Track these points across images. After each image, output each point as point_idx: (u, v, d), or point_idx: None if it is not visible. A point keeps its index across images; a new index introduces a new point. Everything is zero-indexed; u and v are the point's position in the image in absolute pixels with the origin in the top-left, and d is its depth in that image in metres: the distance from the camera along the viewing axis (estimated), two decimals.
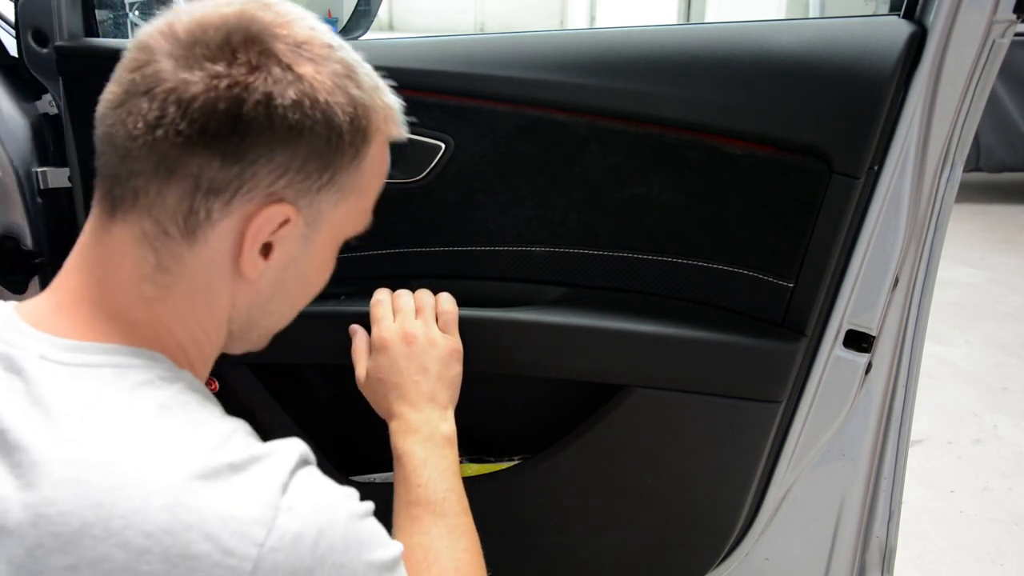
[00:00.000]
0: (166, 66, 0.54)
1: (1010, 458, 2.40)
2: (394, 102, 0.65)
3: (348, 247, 1.04)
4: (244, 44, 0.55)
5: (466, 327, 0.94)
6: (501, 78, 0.91)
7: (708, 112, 0.88)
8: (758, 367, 0.92)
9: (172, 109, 0.54)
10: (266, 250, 0.60)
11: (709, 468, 0.98)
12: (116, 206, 0.57)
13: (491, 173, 0.94)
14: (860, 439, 0.99)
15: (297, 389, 1.06)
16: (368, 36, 1.25)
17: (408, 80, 0.93)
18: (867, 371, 0.95)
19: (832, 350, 0.93)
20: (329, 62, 0.58)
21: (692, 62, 0.88)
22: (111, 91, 0.57)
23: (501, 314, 0.94)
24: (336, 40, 0.61)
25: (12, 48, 1.07)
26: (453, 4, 15.80)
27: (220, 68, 0.54)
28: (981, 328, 3.29)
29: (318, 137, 0.57)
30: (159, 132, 0.54)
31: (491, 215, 0.96)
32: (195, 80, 0.54)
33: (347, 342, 0.96)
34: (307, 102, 0.56)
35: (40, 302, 0.59)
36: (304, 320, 0.98)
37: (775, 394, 0.93)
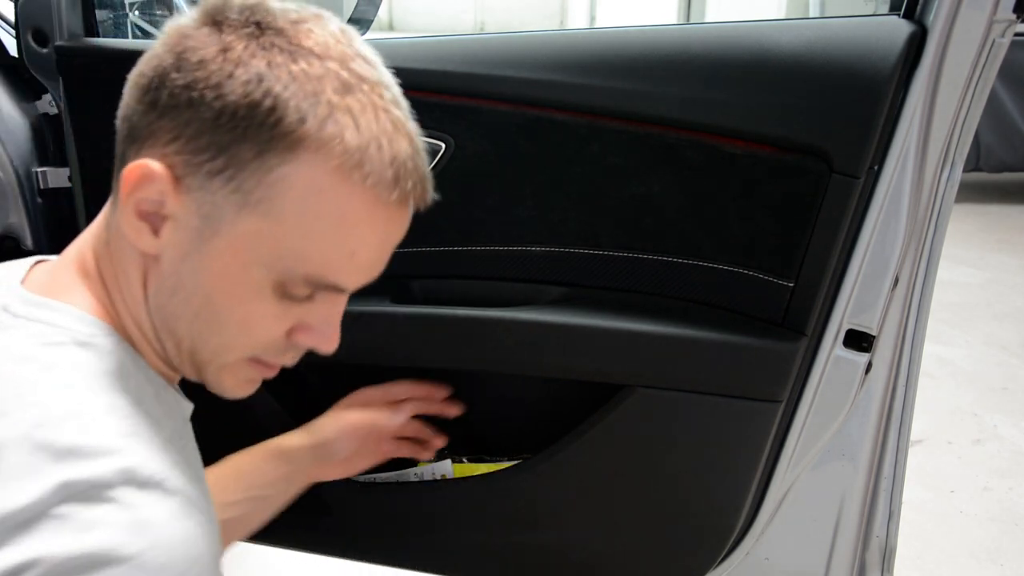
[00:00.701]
0: None
1: (1010, 458, 2.40)
2: (401, 154, 0.55)
3: None
4: (240, 11, 0.55)
5: (466, 327, 0.94)
6: (501, 78, 0.91)
7: (708, 112, 0.88)
8: (758, 367, 0.92)
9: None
10: (158, 225, 0.56)
11: (709, 468, 0.98)
12: None
13: (491, 173, 0.94)
14: (860, 439, 0.99)
15: (297, 389, 1.06)
16: (368, 36, 1.25)
17: (408, 80, 0.93)
18: (867, 371, 0.95)
19: (832, 350, 0.93)
20: (307, 58, 0.53)
21: (692, 62, 0.88)
22: None
23: (501, 314, 0.94)
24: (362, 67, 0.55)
25: (12, 48, 1.07)
26: (453, 4, 15.80)
27: (191, 26, 0.55)
28: (981, 328, 3.29)
29: (208, 109, 0.52)
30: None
31: (491, 215, 0.96)
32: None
33: (347, 342, 0.96)
34: (212, 68, 0.52)
35: (52, 261, 0.62)
36: None
37: (775, 394, 0.93)
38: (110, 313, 0.59)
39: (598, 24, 14.14)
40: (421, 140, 0.59)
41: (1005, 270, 4.01)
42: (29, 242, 1.06)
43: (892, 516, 1.03)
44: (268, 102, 0.52)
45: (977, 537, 2.04)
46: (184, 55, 0.53)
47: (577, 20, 15.36)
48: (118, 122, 0.58)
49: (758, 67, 0.87)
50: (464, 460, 1.04)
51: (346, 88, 0.54)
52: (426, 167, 0.58)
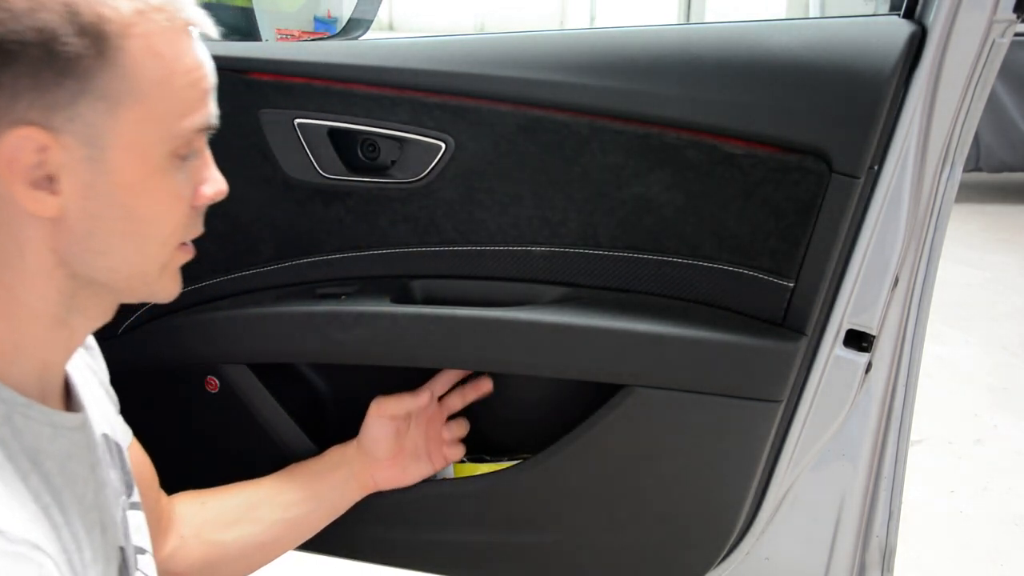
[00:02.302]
0: None
1: (1010, 458, 2.40)
2: None
3: (348, 247, 1.04)
4: None
5: (466, 327, 0.94)
6: (501, 78, 0.91)
7: (708, 112, 0.88)
8: (758, 367, 0.92)
9: None
10: (52, 184, 0.55)
11: (709, 468, 0.98)
12: None
13: (491, 173, 0.94)
14: (860, 439, 0.99)
15: (297, 389, 1.06)
16: (368, 36, 1.25)
17: (408, 80, 0.93)
18: (867, 371, 0.95)
19: (832, 350, 0.93)
20: None
21: (692, 62, 0.88)
22: None
23: (501, 314, 0.94)
24: None
25: None
26: (453, 4, 15.80)
27: None
28: (981, 328, 3.29)
29: (36, 48, 0.52)
30: None
31: (491, 215, 0.96)
32: None
33: (347, 342, 0.96)
34: (6, 16, 0.52)
35: None
36: (304, 320, 0.98)
37: (775, 394, 0.93)
38: None
39: (598, 24, 14.13)
40: None
41: (1005, 270, 4.01)
42: None
43: (892, 516, 1.03)
44: (68, 15, 0.53)
45: (977, 537, 2.05)
46: None
47: (577, 20, 15.36)
48: None
49: (758, 67, 0.87)
50: (464, 460, 1.05)
51: None
52: None
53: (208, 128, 0.62)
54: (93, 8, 0.54)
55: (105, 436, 0.71)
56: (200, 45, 0.61)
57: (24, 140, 0.53)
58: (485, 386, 1.01)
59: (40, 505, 0.56)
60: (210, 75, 0.62)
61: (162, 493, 0.88)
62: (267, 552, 0.95)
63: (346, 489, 0.98)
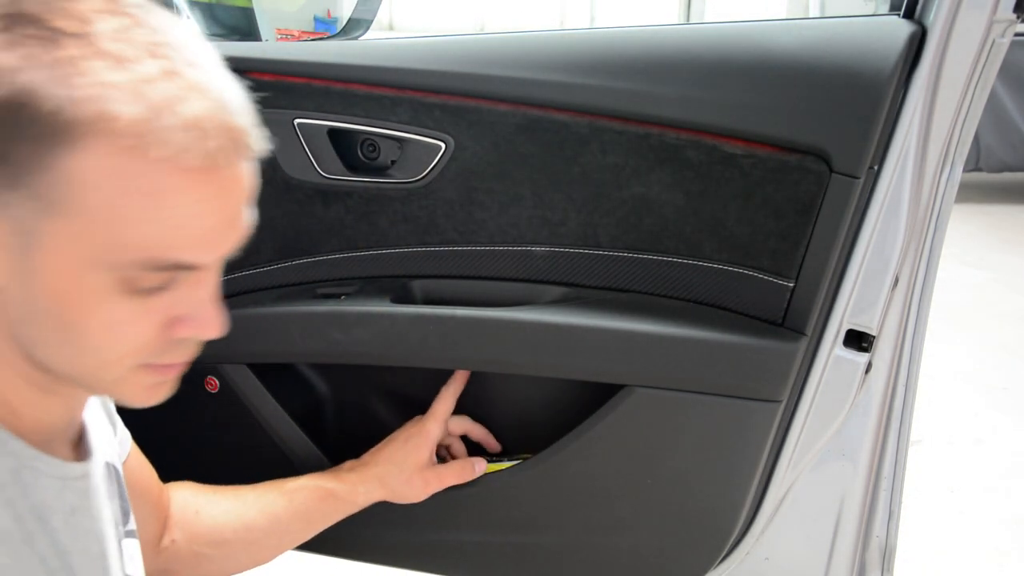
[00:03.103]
0: None
1: (1010, 458, 2.40)
2: (197, 115, 0.49)
3: (348, 247, 1.04)
4: None
5: (466, 327, 0.94)
6: (501, 78, 0.91)
7: (708, 112, 0.88)
8: (758, 367, 0.92)
9: None
10: None
11: (709, 468, 0.98)
12: None
13: (491, 173, 0.94)
14: (860, 439, 0.99)
15: (297, 389, 1.06)
16: (368, 36, 1.25)
17: (408, 80, 0.93)
18: (867, 371, 0.95)
19: (832, 350, 0.93)
20: (37, 43, 0.47)
21: (692, 62, 0.88)
22: None
23: (501, 314, 0.94)
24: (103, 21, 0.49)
25: None
26: (453, 4, 15.80)
27: None
28: (981, 328, 3.29)
29: None
30: None
31: (491, 215, 0.96)
32: None
33: (347, 342, 0.96)
34: None
35: None
36: (304, 320, 0.98)
37: (775, 394, 0.93)
38: None
39: (598, 24, 14.13)
40: (237, 91, 0.53)
41: (1005, 270, 4.01)
42: None
43: (892, 516, 1.03)
44: (22, 97, 0.46)
45: (977, 537, 2.05)
46: None
47: (577, 20, 15.36)
48: None
49: (758, 67, 0.87)
50: None
51: (119, 61, 0.48)
52: (242, 118, 0.53)
53: (188, 268, 0.54)
54: (55, 91, 0.47)
55: (107, 464, 0.70)
56: (240, 182, 0.54)
57: None
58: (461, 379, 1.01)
59: (46, 570, 0.56)
60: (227, 226, 0.55)
61: (163, 488, 0.88)
62: (257, 562, 0.94)
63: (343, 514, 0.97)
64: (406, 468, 0.96)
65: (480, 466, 1.00)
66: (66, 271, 0.51)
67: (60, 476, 0.60)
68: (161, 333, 0.55)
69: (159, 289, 0.53)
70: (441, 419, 0.99)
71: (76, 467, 0.63)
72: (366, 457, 0.98)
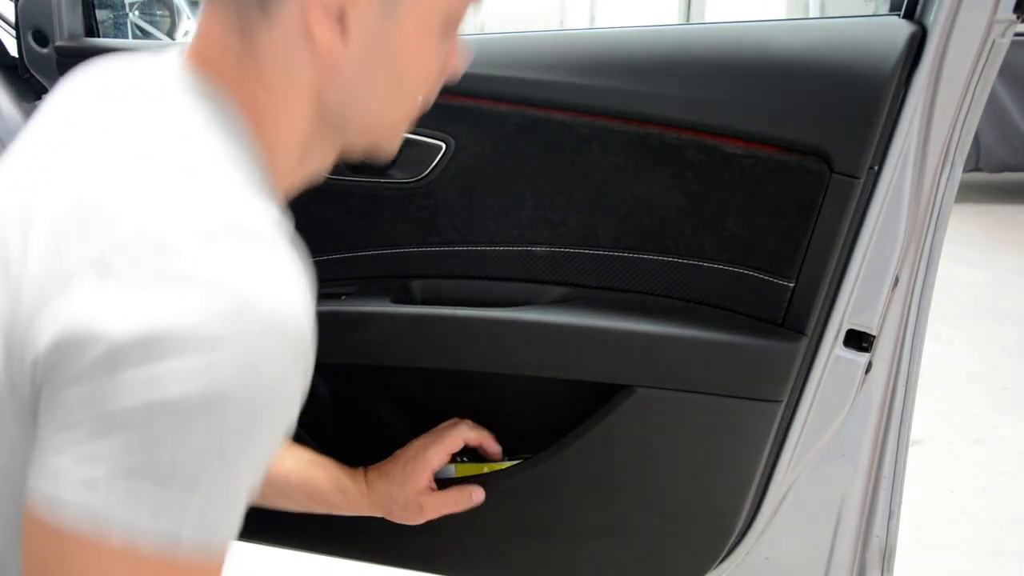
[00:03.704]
0: None
1: (1010, 458, 2.40)
2: None
3: (348, 247, 1.04)
4: None
5: (466, 327, 0.94)
6: (501, 78, 0.91)
7: (708, 112, 0.88)
8: (758, 367, 0.92)
9: None
10: (342, 27, 0.57)
11: (709, 468, 0.98)
12: None
13: (491, 173, 0.94)
14: (860, 439, 0.99)
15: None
16: None
17: None
18: (867, 371, 0.95)
19: (832, 350, 0.93)
20: None
21: (692, 62, 0.88)
22: None
23: (501, 314, 0.94)
24: None
25: (12, 48, 1.07)
26: None
27: None
28: (981, 328, 3.29)
29: None
30: None
31: (491, 215, 0.96)
32: None
33: (347, 342, 0.96)
34: None
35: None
36: None
37: (775, 394, 0.93)
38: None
39: (598, 24, 14.13)
40: None
41: (1005, 270, 4.01)
42: None
43: (892, 516, 1.03)
44: None
45: (977, 537, 2.05)
46: None
47: (577, 20, 15.35)
48: None
49: (758, 67, 0.87)
50: (465, 460, 1.04)
51: None
52: None
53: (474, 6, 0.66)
54: None
55: None
56: None
57: None
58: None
59: None
60: None
61: None
62: None
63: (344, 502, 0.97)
64: (403, 493, 0.95)
65: (478, 494, 0.99)
66: (418, 23, 0.60)
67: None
68: (441, 72, 0.67)
69: (452, 35, 0.65)
70: (445, 451, 0.96)
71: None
72: (373, 474, 0.98)
